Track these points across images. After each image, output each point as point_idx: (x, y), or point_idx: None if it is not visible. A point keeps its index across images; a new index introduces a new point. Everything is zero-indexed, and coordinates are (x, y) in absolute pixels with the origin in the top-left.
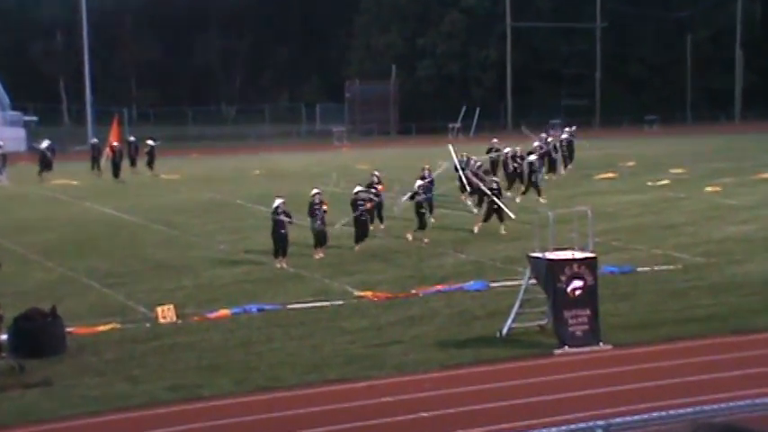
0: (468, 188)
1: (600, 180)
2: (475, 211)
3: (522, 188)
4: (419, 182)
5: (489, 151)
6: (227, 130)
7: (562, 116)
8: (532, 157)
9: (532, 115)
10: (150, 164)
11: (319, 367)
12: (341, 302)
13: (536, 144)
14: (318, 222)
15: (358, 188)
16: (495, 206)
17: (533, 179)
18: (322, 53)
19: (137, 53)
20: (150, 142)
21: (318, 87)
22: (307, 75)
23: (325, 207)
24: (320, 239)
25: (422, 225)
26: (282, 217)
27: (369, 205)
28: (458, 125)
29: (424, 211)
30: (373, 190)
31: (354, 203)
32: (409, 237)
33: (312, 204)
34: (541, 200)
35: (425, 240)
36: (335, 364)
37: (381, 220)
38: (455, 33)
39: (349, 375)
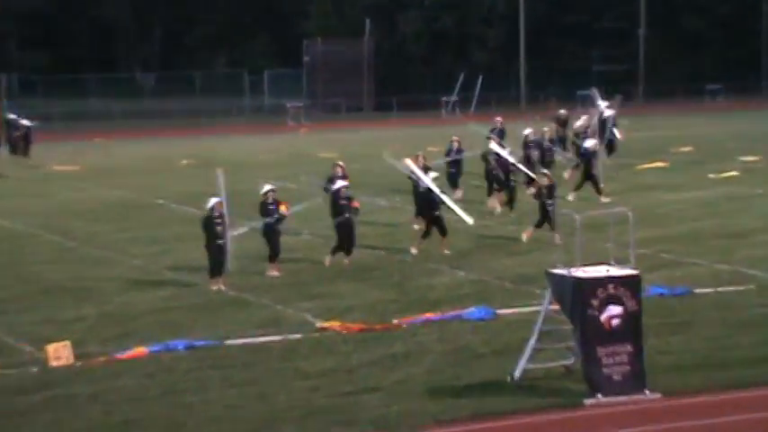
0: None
1: (645, 171)
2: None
3: (574, 179)
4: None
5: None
6: (143, 106)
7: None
8: (591, 143)
9: (553, 85)
10: (25, 150)
11: (270, 423)
12: (298, 336)
13: (581, 122)
14: (271, 221)
15: (339, 183)
16: (548, 207)
17: (592, 171)
18: (272, 2)
19: (17, 2)
20: (25, 122)
21: (267, 49)
22: (251, 32)
23: (283, 209)
24: (274, 249)
25: (442, 231)
26: (219, 223)
27: (356, 203)
28: (453, 98)
29: (438, 213)
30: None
31: (336, 203)
32: (413, 250)
33: (265, 205)
34: (603, 199)
35: (413, 251)
36: (292, 419)
37: None
38: None
39: None
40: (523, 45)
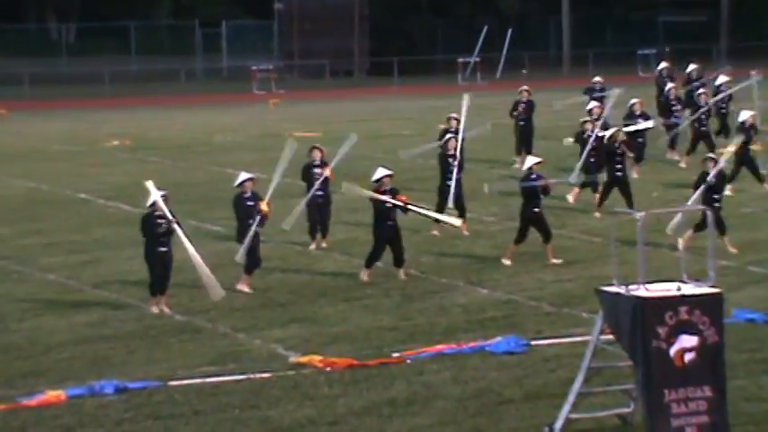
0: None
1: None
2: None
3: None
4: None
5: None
6: (59, 67)
7: (660, 42)
8: (747, 114)
9: (606, 40)
10: None
11: None
12: (266, 375)
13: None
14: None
15: (382, 171)
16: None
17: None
18: None
19: None
20: None
21: None
22: None
23: (263, 207)
24: (252, 260)
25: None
26: (163, 224)
27: (403, 197)
28: (474, 59)
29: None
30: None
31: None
32: (506, 261)
33: (240, 199)
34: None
35: (506, 262)
36: None
37: (325, 230)
38: None
39: None
40: None
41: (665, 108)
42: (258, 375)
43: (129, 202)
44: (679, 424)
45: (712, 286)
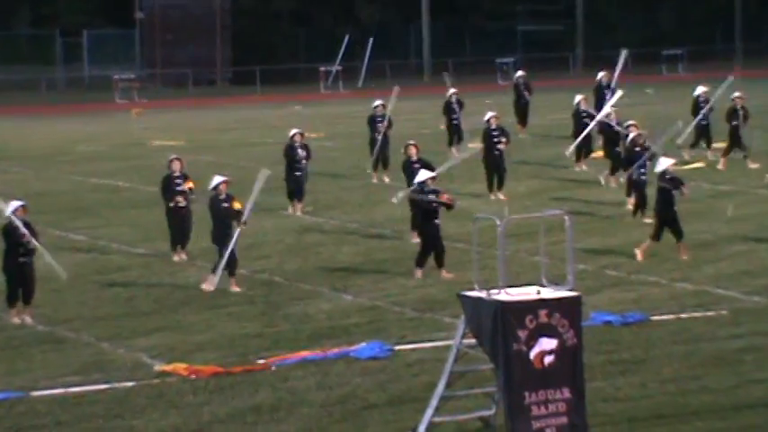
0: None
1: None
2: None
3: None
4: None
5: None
6: None
7: (519, 51)
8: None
9: (466, 49)
10: None
11: None
12: (130, 384)
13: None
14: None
15: (424, 174)
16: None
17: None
18: None
19: None
20: None
21: (86, 2)
22: None
23: (237, 205)
24: (231, 260)
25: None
26: (23, 233)
27: (447, 196)
28: (336, 68)
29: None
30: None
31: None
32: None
33: (215, 201)
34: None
35: (638, 257)
36: None
37: (187, 240)
38: None
39: None
40: None
41: (577, 119)
42: (122, 384)
43: None
44: (539, 426)
45: (571, 290)
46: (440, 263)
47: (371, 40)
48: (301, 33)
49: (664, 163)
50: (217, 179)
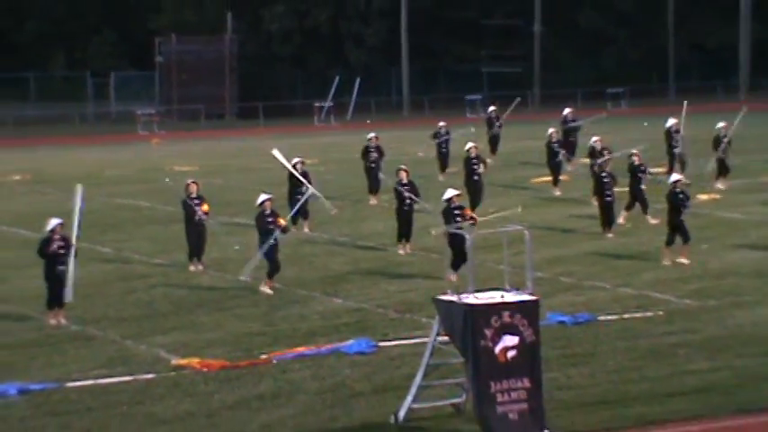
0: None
1: (541, 184)
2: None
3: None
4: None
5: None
6: None
7: (484, 89)
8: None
9: (440, 88)
10: None
11: None
12: (150, 376)
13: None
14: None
15: (450, 192)
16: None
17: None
18: None
19: None
20: None
21: (114, 48)
22: (94, 27)
23: (282, 222)
24: (273, 266)
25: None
26: (58, 246)
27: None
28: (328, 104)
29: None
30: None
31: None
32: (452, 278)
33: (261, 216)
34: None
35: (665, 263)
36: None
37: (202, 252)
38: None
39: None
40: (405, 44)
41: (549, 149)
42: (143, 376)
43: (30, 228)
44: (503, 411)
45: (530, 294)
46: (456, 268)
47: (359, 79)
48: (298, 74)
49: (675, 177)
50: (263, 197)
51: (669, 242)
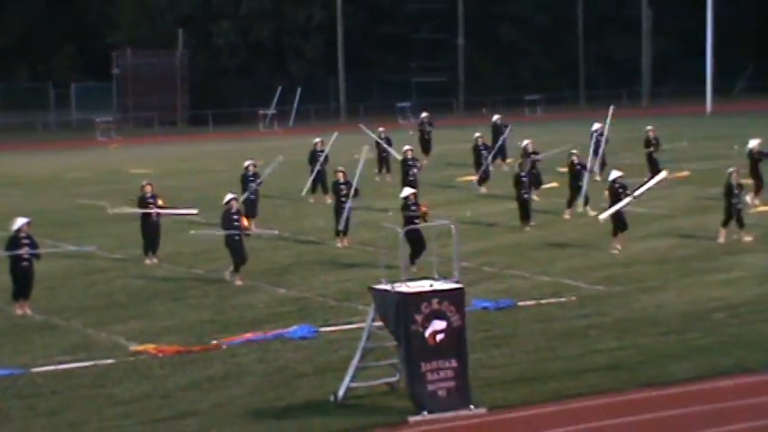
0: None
1: (465, 183)
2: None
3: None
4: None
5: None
6: None
7: (413, 98)
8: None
9: (373, 96)
10: None
11: None
12: (110, 361)
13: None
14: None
15: (407, 191)
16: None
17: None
18: (78, 11)
19: None
20: None
21: (73, 60)
22: (56, 42)
23: (245, 222)
24: (240, 259)
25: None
26: (24, 244)
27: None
28: (272, 112)
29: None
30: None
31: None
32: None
33: (227, 213)
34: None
35: (612, 252)
36: None
37: (156, 247)
38: None
39: None
40: (342, 57)
41: (476, 154)
42: (104, 361)
43: None
44: (433, 388)
45: (456, 282)
46: (413, 260)
47: (299, 89)
48: (244, 85)
49: (614, 174)
50: (229, 196)
51: (616, 233)
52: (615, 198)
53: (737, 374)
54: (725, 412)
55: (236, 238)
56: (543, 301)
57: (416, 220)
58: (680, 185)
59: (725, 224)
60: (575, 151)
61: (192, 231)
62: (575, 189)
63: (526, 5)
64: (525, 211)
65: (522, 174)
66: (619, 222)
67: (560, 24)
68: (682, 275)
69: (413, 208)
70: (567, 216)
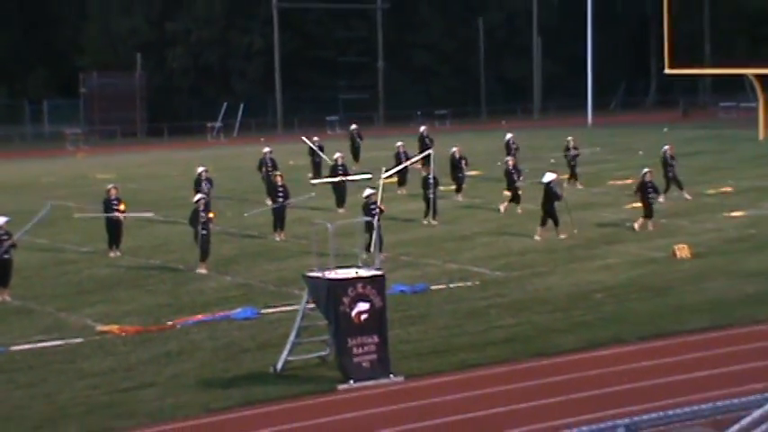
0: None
1: (386, 185)
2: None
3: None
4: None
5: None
6: None
7: (341, 112)
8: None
9: (306, 111)
10: None
11: (54, 420)
12: (80, 340)
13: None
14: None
15: (369, 191)
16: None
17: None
18: (49, 37)
19: None
20: None
21: (46, 80)
22: (31, 64)
23: (211, 215)
24: (204, 251)
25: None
26: (4, 240)
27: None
28: (219, 124)
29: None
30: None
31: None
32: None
33: (195, 212)
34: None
35: (537, 237)
36: (75, 415)
37: (119, 241)
38: (212, 17)
39: (92, 428)
40: (279, 77)
41: (397, 159)
42: (74, 340)
43: None
44: (358, 360)
45: (378, 269)
46: (368, 249)
47: (242, 105)
48: (195, 101)
49: (549, 176)
50: (198, 196)
51: (542, 224)
52: (547, 197)
53: (614, 345)
54: (604, 377)
55: (204, 233)
56: (452, 285)
57: (375, 216)
58: (566, 185)
59: (649, 216)
60: (509, 159)
61: (246, 213)
62: (514, 190)
63: (436, 34)
64: (432, 209)
65: (429, 176)
66: (550, 216)
67: (465, 50)
68: (567, 262)
69: (372, 206)
70: (501, 210)
